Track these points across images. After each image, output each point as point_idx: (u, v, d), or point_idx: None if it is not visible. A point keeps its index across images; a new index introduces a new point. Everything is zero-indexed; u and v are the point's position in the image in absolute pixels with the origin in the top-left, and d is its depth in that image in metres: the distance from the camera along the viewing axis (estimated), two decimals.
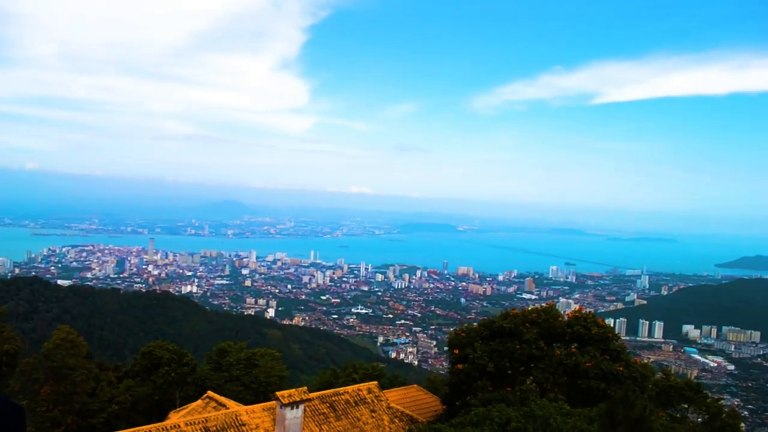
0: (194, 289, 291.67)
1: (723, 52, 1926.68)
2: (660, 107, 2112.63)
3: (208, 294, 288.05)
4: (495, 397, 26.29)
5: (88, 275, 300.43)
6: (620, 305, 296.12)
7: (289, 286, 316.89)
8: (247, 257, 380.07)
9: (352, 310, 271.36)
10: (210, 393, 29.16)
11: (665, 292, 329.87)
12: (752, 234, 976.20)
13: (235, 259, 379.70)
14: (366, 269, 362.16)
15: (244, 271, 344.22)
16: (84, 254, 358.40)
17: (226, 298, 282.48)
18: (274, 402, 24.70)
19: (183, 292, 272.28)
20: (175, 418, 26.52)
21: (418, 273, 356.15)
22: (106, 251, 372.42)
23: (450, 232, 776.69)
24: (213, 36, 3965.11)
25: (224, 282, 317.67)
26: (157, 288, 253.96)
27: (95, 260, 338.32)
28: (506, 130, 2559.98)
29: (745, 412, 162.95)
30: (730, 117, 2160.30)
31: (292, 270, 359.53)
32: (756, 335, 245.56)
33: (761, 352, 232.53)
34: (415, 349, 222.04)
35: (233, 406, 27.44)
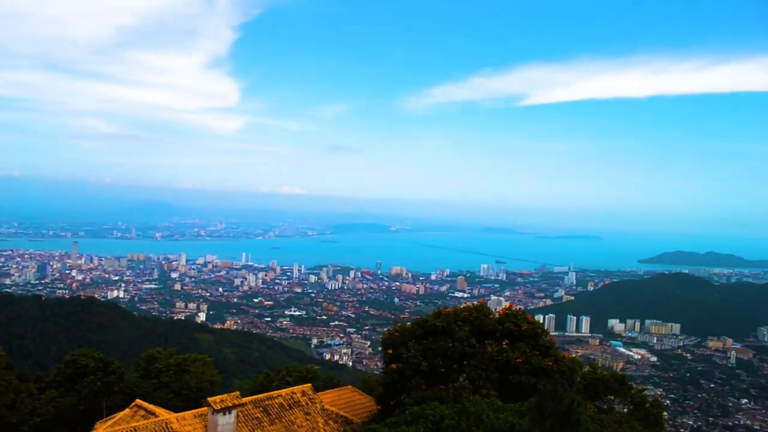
0: (121, 294, 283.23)
1: (643, 57, 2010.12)
2: (585, 109, 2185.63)
3: (136, 299, 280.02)
4: (429, 396, 26.45)
5: (7, 281, 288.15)
6: (549, 301, 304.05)
7: (220, 290, 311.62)
8: (176, 260, 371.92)
9: (286, 312, 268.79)
10: (138, 401, 28.24)
11: (591, 288, 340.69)
12: (672, 231, 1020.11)
13: (163, 262, 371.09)
14: (299, 271, 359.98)
15: (174, 275, 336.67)
16: (2, 260, 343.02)
17: (155, 302, 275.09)
18: (205, 408, 24.11)
19: (109, 297, 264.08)
20: (101, 428, 25.58)
21: (352, 274, 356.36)
22: (26, 256, 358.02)
23: (383, 232, 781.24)
24: (141, 33, 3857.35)
25: (153, 286, 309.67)
26: (82, 294, 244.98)
27: (14, 266, 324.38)
28: (438, 130, 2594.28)
29: (668, 402, 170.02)
30: (650, 119, 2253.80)
31: (223, 273, 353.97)
32: (677, 327, 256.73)
33: (682, 344, 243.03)
34: (349, 350, 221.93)
35: (163, 414, 26.65)
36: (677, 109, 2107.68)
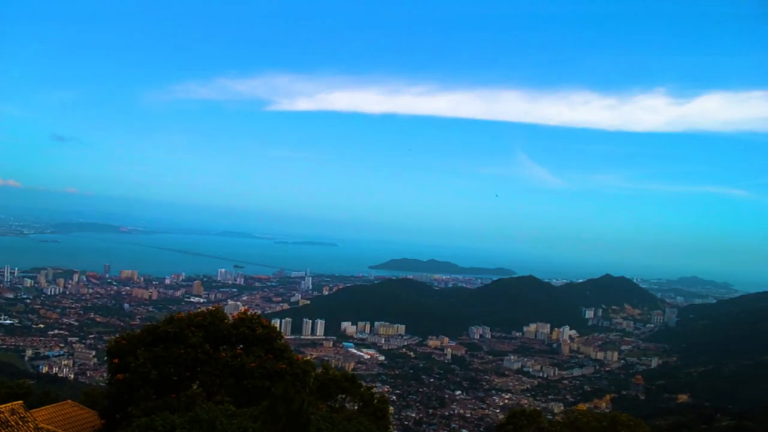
0: None
1: (380, 77, 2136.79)
2: (325, 119, 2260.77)
3: None
4: (159, 406, 25.01)
5: None
6: (286, 306, 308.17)
7: None
8: None
9: None
10: None
11: (327, 292, 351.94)
12: (399, 239, 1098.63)
13: None
14: (12, 274, 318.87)
15: None
16: None
17: None
18: None
19: None
20: None
21: (76, 277, 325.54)
22: None
23: (113, 233, 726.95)
24: None
25: None
26: None
27: None
28: (178, 129, 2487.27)
29: (394, 397, 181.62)
30: (383, 134, 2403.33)
31: None
32: (402, 328, 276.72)
33: (406, 343, 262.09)
34: (71, 361, 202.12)
35: None
36: (408, 128, 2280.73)
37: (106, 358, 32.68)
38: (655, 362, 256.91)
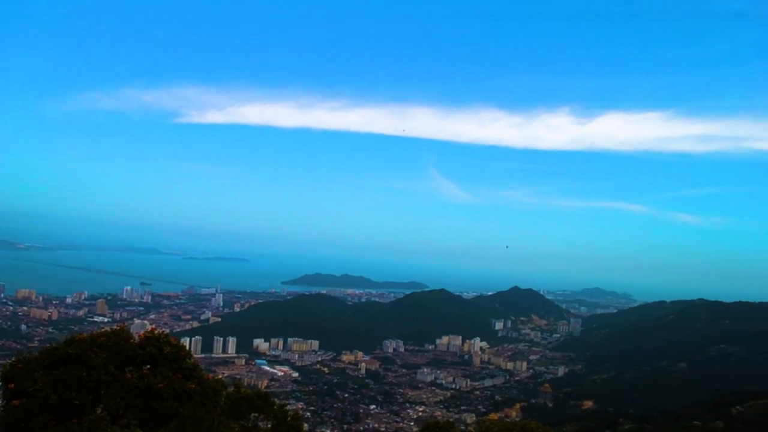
0: None
1: (292, 91, 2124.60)
2: (237, 133, 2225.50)
3: None
4: None
5: None
6: (196, 323, 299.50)
7: None
8: None
9: None
10: None
11: (238, 309, 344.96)
12: (312, 254, 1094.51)
13: None
14: None
15: None
16: None
17: None
18: None
19: None
20: None
21: None
22: None
23: (9, 250, 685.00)
24: None
25: None
26: None
27: None
28: (82, 140, 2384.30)
29: (308, 414, 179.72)
30: (296, 148, 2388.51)
31: None
32: (315, 344, 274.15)
33: (320, 359, 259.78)
34: None
35: None
36: (321, 142, 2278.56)
37: (0, 383, 30.62)
38: (561, 371, 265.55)
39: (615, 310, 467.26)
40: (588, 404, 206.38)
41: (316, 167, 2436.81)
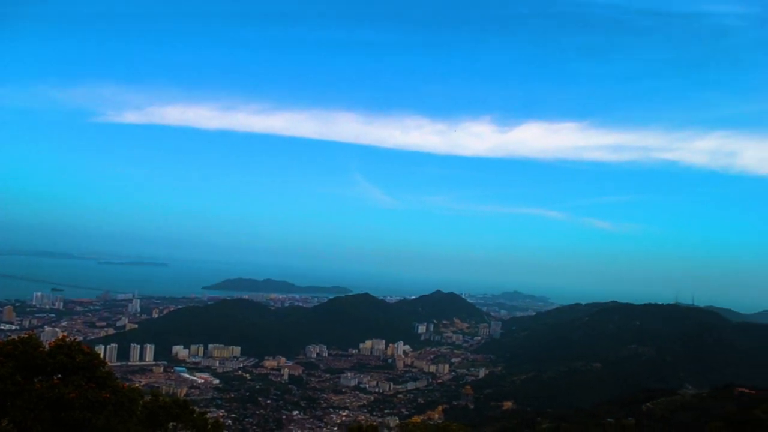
0: None
1: (214, 92, 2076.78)
2: (156, 133, 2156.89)
3: None
4: None
5: None
6: (112, 331, 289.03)
7: None
8: None
9: None
10: None
11: (156, 315, 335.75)
12: (234, 258, 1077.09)
13: None
14: None
15: None
16: None
17: None
18: None
19: None
20: None
21: None
22: None
23: None
24: None
25: None
26: None
27: None
28: None
29: (229, 421, 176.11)
30: (218, 151, 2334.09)
31: None
32: (237, 350, 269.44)
33: (242, 365, 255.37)
34: None
35: None
36: (243, 145, 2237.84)
37: None
38: (482, 372, 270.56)
39: (533, 313, 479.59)
40: (508, 405, 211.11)
41: (238, 170, 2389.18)
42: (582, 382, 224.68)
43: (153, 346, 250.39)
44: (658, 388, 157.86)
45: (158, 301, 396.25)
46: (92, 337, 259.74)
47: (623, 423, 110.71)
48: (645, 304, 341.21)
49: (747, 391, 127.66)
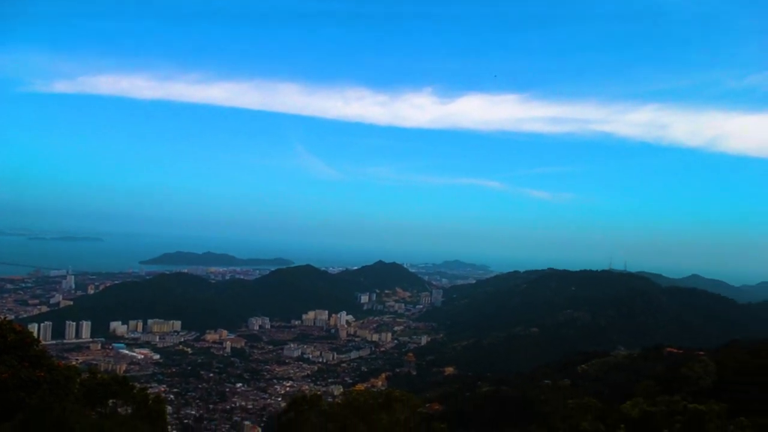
0: None
1: (149, 61, 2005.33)
2: (88, 103, 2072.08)
3: None
4: None
5: None
6: (45, 308, 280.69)
7: None
8: None
9: None
10: None
11: (92, 291, 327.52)
12: (172, 232, 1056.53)
13: None
14: None
15: None
16: None
17: None
18: None
19: None
20: None
21: None
22: None
23: None
24: None
25: None
26: None
27: None
28: None
29: (171, 396, 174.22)
30: (155, 121, 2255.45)
31: None
32: (178, 324, 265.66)
33: (183, 340, 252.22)
34: None
35: None
36: (182, 115, 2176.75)
37: None
38: (424, 340, 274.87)
39: (474, 281, 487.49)
40: (449, 370, 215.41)
41: (176, 142, 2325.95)
42: (521, 347, 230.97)
43: (89, 323, 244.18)
44: (593, 350, 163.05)
45: (93, 277, 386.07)
46: (24, 316, 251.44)
47: (559, 384, 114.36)
48: (580, 271, 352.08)
49: (675, 350, 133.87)
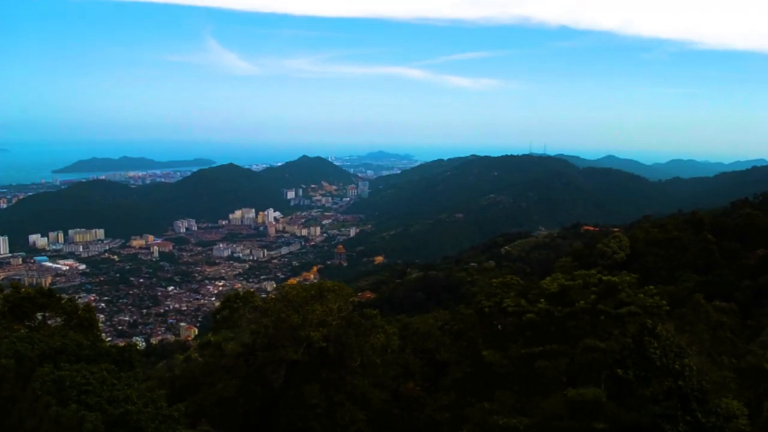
0: None
1: None
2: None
3: None
4: None
5: None
6: None
7: None
8: None
9: None
10: None
11: (4, 205, 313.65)
12: (85, 138, 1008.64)
13: None
14: None
15: None
16: None
17: None
18: None
19: None
20: None
21: None
22: None
23: None
24: None
25: None
26: None
27: None
28: None
29: (102, 304, 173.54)
30: (51, 21, 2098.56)
31: None
32: (101, 233, 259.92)
33: (108, 248, 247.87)
34: None
35: None
36: (82, 13, 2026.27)
37: None
38: (353, 231, 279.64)
39: (399, 171, 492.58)
40: (379, 259, 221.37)
41: (77, 42, 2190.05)
42: (447, 233, 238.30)
43: (6, 237, 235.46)
44: (516, 231, 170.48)
45: (4, 190, 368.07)
46: None
47: (485, 266, 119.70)
48: (502, 156, 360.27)
49: (591, 228, 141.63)
